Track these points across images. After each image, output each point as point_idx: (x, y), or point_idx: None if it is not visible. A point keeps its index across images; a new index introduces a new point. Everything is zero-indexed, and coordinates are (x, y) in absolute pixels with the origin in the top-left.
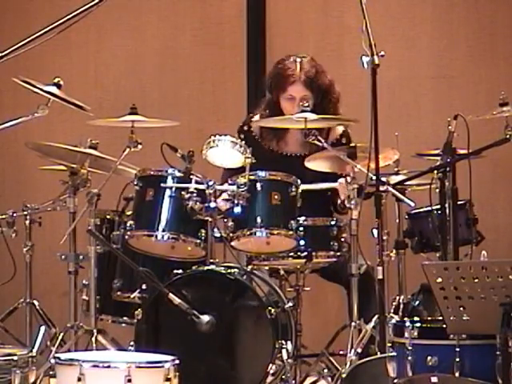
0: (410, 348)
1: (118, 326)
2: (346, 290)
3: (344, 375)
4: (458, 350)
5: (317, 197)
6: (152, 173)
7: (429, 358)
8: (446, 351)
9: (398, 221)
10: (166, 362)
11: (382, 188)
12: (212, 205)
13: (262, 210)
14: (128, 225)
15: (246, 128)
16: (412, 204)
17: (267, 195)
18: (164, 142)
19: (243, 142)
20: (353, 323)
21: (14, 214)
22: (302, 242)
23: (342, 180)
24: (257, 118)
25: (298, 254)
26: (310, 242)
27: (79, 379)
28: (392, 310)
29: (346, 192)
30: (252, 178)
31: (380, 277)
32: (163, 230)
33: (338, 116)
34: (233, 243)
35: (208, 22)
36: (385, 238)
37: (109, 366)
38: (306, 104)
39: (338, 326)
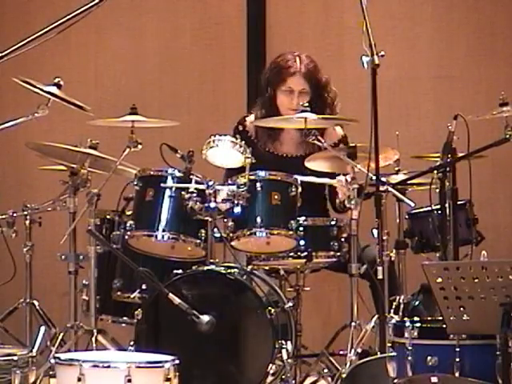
0: (409, 348)
1: (118, 326)
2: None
3: (344, 375)
4: (457, 349)
5: (314, 195)
6: (152, 173)
7: (429, 358)
8: (446, 351)
9: (398, 221)
10: (166, 361)
11: (381, 188)
12: (212, 205)
13: (261, 210)
14: (128, 225)
15: (240, 128)
16: (412, 204)
17: (267, 195)
18: (163, 142)
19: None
20: (353, 323)
21: (14, 214)
22: (302, 242)
23: (341, 177)
24: (251, 117)
25: (298, 253)
26: (310, 241)
27: (79, 379)
28: (392, 310)
29: (345, 191)
30: (252, 178)
31: (380, 277)
32: (163, 230)
33: (338, 116)
34: (233, 243)
35: (208, 21)
36: (385, 237)
37: (109, 366)
38: (305, 101)
39: (337, 326)
